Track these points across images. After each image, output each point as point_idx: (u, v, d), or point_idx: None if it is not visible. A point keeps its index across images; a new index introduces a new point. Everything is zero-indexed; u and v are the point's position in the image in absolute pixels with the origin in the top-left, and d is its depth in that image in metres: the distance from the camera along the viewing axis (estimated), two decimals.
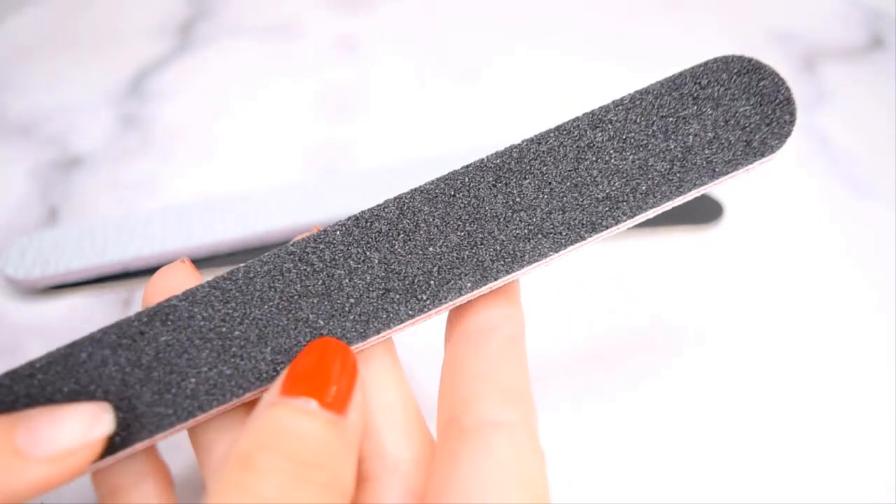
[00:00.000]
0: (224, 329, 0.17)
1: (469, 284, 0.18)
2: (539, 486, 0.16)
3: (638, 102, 0.18)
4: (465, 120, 0.36)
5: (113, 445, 0.17)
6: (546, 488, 0.16)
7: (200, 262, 0.30)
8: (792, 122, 0.18)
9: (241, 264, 0.18)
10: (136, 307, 0.29)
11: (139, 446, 0.17)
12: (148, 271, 0.29)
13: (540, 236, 0.18)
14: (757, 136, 0.18)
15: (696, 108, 0.18)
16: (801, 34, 0.40)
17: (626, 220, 0.18)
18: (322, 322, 0.17)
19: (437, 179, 0.18)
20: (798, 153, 0.34)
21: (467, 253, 0.18)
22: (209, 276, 0.29)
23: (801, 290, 0.29)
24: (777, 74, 0.18)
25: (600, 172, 0.18)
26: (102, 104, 0.36)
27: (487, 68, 0.38)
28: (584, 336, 0.28)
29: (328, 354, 0.16)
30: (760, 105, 0.18)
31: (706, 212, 0.31)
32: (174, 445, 0.25)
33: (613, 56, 0.39)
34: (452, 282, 0.18)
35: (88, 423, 0.16)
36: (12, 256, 0.28)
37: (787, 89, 0.18)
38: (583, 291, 0.29)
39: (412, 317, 0.18)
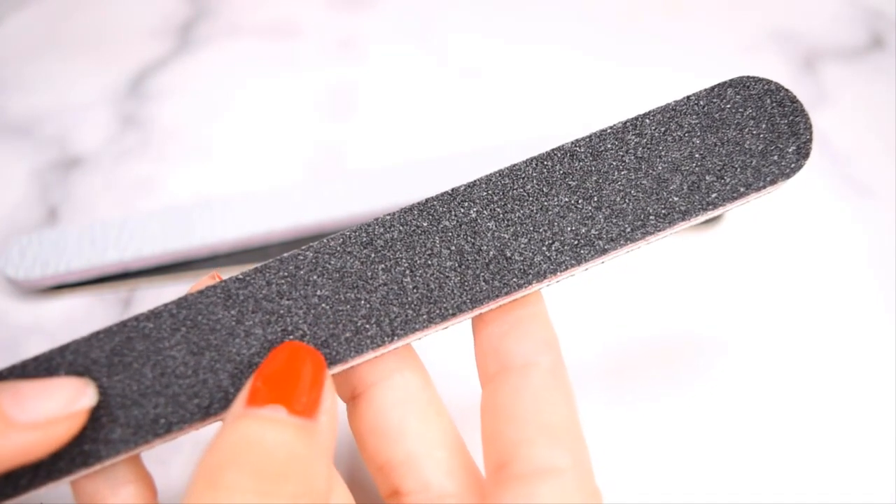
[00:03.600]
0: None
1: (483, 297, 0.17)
2: None
3: (655, 120, 0.18)
4: (467, 120, 0.36)
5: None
6: None
7: (200, 262, 0.30)
8: (806, 147, 0.18)
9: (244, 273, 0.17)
10: (136, 307, 0.29)
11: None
12: (148, 271, 0.29)
13: (567, 248, 0.17)
14: (767, 163, 0.18)
15: (715, 128, 0.18)
16: (801, 34, 0.40)
17: (653, 233, 0.17)
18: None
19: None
20: None
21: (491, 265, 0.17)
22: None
23: (801, 290, 0.29)
24: (794, 97, 0.18)
25: (627, 186, 0.18)
26: (102, 104, 0.36)
27: (488, 67, 0.38)
28: (582, 340, 0.28)
29: (294, 358, 0.16)
30: (776, 127, 0.18)
31: None
32: (171, 449, 0.25)
33: (613, 55, 0.39)
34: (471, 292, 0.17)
35: (73, 394, 0.16)
36: (12, 256, 0.28)
37: (805, 116, 0.18)
38: (579, 295, 0.29)
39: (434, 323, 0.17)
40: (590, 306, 0.28)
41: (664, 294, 0.29)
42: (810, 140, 0.18)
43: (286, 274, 0.17)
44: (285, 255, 0.17)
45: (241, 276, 0.17)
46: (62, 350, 0.17)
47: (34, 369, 0.17)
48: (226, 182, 0.33)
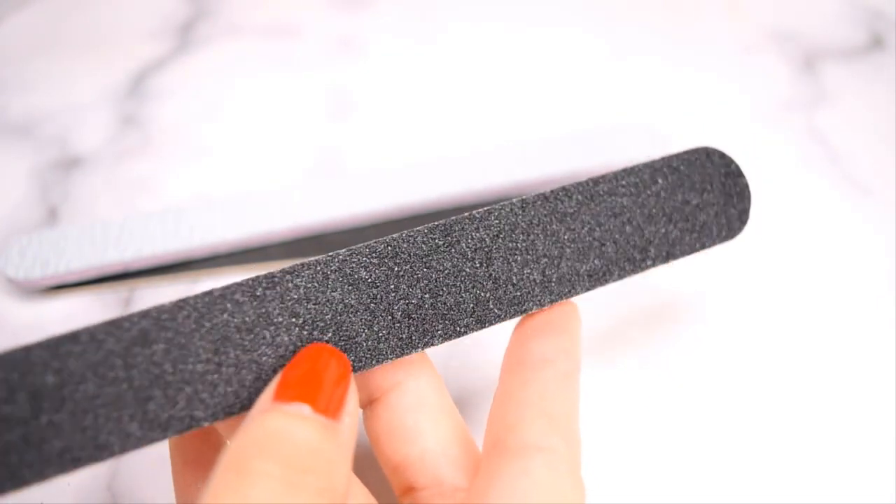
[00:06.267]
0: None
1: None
2: None
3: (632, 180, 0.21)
4: (467, 120, 0.36)
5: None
6: None
7: (200, 262, 0.30)
8: (745, 215, 0.22)
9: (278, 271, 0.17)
10: (136, 307, 0.29)
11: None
12: (148, 271, 0.29)
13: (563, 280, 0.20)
14: (718, 224, 0.21)
15: (683, 189, 0.21)
16: (801, 34, 0.40)
17: (631, 273, 0.20)
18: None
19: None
20: (798, 153, 0.34)
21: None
22: (207, 276, 0.29)
23: (801, 290, 0.29)
24: (740, 171, 0.21)
25: (623, 225, 0.20)
26: (102, 104, 0.36)
27: (489, 67, 0.39)
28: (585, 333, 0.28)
29: (320, 360, 0.17)
30: (726, 197, 0.21)
31: None
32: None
33: (614, 56, 0.39)
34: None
35: None
36: (12, 256, 0.28)
37: (747, 190, 0.21)
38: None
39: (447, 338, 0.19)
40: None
41: (663, 293, 0.29)
42: (748, 208, 0.22)
43: (314, 279, 0.17)
44: (312, 259, 0.18)
45: (269, 276, 0.17)
46: (67, 338, 0.16)
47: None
48: (226, 182, 0.33)
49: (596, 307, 0.28)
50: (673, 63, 0.39)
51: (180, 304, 0.16)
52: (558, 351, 0.18)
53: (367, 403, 0.19)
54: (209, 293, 0.17)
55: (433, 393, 0.19)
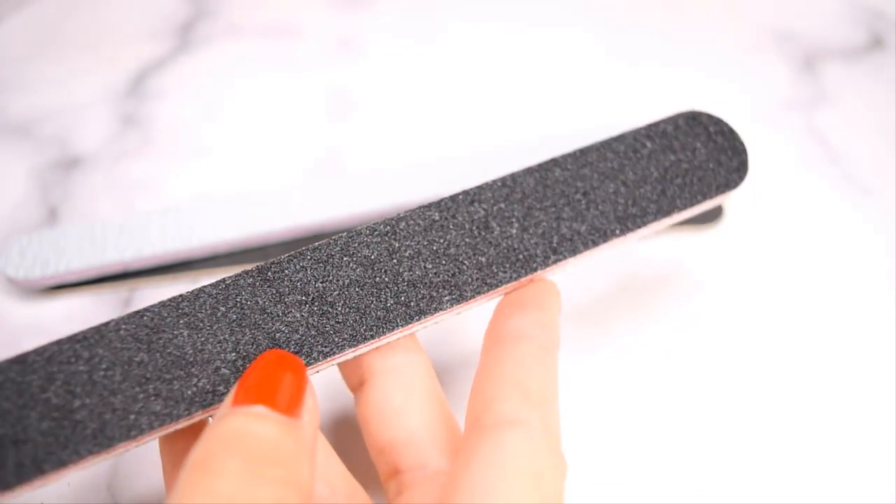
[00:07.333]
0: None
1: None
2: (552, 486, 0.16)
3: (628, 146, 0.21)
4: (467, 120, 0.36)
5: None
6: (560, 492, 0.16)
7: (200, 262, 0.30)
8: (744, 166, 0.22)
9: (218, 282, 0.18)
10: (136, 307, 0.29)
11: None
12: (148, 271, 0.29)
13: (554, 245, 0.20)
14: (717, 178, 0.21)
15: (672, 149, 0.21)
16: (801, 34, 0.40)
17: (634, 230, 0.21)
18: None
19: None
20: (798, 153, 0.34)
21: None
22: (206, 276, 0.29)
23: (801, 290, 0.29)
24: (734, 132, 0.22)
25: (614, 191, 0.21)
26: (102, 104, 0.36)
27: (489, 67, 0.38)
28: (580, 341, 0.28)
29: (276, 365, 0.17)
30: (719, 152, 0.22)
31: (705, 212, 0.31)
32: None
33: (613, 56, 0.39)
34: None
35: None
36: (12, 256, 0.28)
37: (742, 143, 0.22)
38: (582, 295, 0.29)
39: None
40: (583, 307, 0.28)
41: (664, 292, 0.29)
42: (746, 160, 0.22)
43: (319, 260, 0.19)
44: (317, 243, 0.19)
45: (276, 261, 0.18)
46: (95, 330, 0.17)
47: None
48: (226, 182, 0.33)
49: (592, 288, 0.28)
50: (673, 63, 0.39)
51: (196, 293, 0.18)
52: (535, 326, 0.18)
53: (358, 386, 0.19)
54: (222, 281, 0.18)
55: (421, 375, 0.19)
